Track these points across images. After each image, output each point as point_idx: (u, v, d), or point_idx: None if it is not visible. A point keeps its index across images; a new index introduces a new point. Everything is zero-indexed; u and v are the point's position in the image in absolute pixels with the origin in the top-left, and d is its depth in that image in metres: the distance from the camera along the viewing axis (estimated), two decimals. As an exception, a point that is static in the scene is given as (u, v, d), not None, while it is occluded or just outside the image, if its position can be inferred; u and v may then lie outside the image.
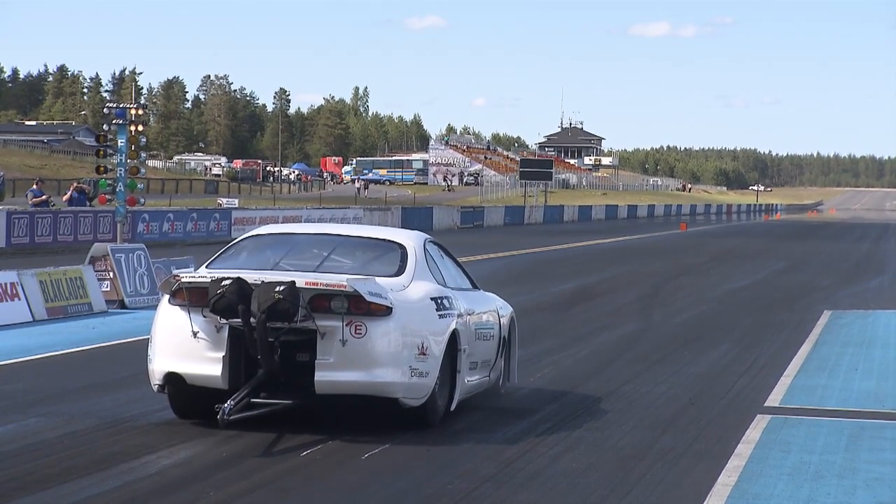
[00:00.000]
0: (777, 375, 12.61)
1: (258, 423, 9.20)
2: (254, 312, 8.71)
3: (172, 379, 9.11)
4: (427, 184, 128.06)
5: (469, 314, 9.97)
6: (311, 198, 77.73)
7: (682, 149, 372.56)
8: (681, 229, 63.05)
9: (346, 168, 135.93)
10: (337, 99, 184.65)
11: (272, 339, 8.90)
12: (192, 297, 8.96)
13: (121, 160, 20.65)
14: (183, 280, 9.03)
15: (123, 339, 14.72)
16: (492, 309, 10.88)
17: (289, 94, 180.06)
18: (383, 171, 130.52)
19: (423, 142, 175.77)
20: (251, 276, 8.90)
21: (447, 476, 8.01)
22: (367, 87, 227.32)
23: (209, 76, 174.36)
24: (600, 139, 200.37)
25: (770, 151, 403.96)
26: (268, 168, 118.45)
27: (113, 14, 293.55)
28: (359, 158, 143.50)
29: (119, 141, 20.54)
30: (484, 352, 10.35)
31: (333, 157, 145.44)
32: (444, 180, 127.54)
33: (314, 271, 9.32)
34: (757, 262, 34.24)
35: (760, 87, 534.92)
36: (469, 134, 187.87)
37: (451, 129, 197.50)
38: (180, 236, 37.41)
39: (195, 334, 9.01)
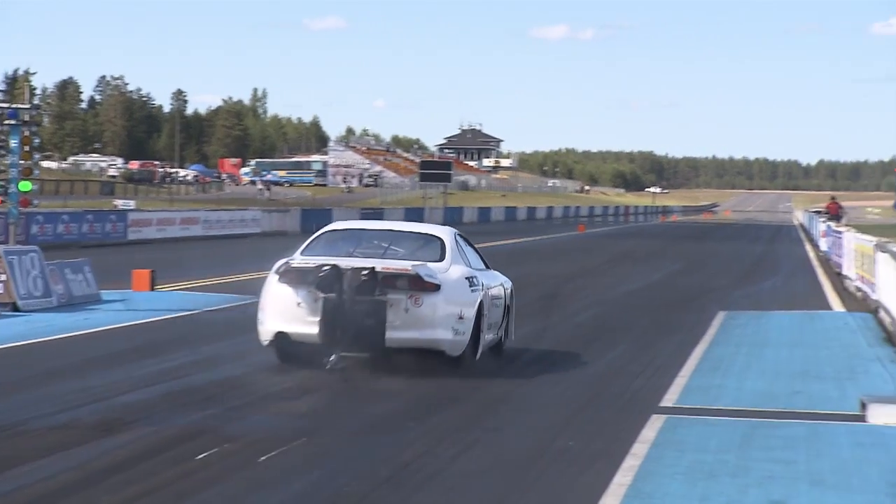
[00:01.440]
0: (673, 375, 12.76)
1: (156, 426, 9.14)
2: (345, 289, 11.89)
3: (280, 336, 12.23)
4: (326, 185, 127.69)
5: (487, 288, 13.05)
6: (210, 199, 77.05)
7: (581, 151, 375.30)
8: (579, 231, 63.60)
9: (245, 169, 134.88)
10: (235, 100, 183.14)
11: (357, 308, 11.90)
12: (297, 277, 12.08)
13: (13, 161, 20.27)
14: (293, 265, 12.21)
15: (16, 342, 14.42)
16: (500, 283, 13.95)
17: (186, 95, 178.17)
18: (282, 173, 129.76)
19: (322, 143, 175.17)
20: (342, 263, 12.09)
21: (344, 478, 7.99)
22: (265, 89, 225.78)
23: (105, 77, 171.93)
24: (499, 141, 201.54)
25: (667, 154, 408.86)
26: (165, 169, 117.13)
27: (4, 14, 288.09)
28: (258, 160, 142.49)
29: (12, 142, 20.15)
30: (495, 316, 13.47)
31: (231, 159, 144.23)
32: (344, 182, 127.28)
33: (381, 258, 12.53)
34: (653, 263, 34.65)
35: (657, 90, 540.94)
36: (369, 135, 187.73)
37: (350, 131, 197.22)
38: (75, 238, 36.83)
39: (298, 304, 12.11)
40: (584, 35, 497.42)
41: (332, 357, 12.11)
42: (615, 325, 17.98)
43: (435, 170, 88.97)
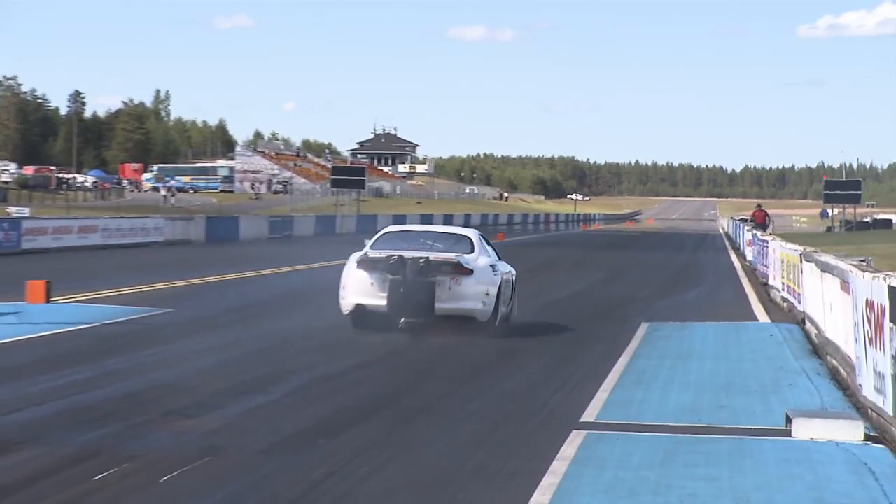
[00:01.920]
0: (593, 390, 12.84)
1: (50, 445, 9.02)
2: (407, 273, 16.72)
3: (358, 307, 17.17)
4: (233, 192, 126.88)
5: (502, 273, 17.95)
6: (109, 206, 76.22)
7: (500, 156, 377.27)
8: (498, 239, 63.76)
9: (147, 175, 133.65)
10: (136, 102, 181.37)
11: (415, 287, 16.71)
12: (371, 265, 17.01)
13: None
14: (369, 255, 17.22)
15: None
16: (509, 270, 18.88)
17: (84, 97, 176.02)
18: (187, 179, 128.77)
19: (229, 148, 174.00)
20: (405, 254, 17.02)
21: (249, 499, 7.95)
22: (168, 90, 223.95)
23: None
24: (415, 146, 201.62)
25: (588, 159, 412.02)
26: (61, 175, 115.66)
27: None
28: (160, 165, 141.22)
29: None
30: (507, 294, 18.32)
31: (133, 164, 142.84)
32: (252, 188, 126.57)
33: (430, 251, 17.45)
34: (575, 273, 34.86)
35: (579, 94, 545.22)
36: (278, 140, 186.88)
37: (258, 135, 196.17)
38: (-35, 247, 36.22)
39: (372, 284, 17.01)
40: (503, 36, 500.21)
41: (402, 320, 17.18)
42: (535, 336, 18.03)
43: (347, 176, 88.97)
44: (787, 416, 10.70)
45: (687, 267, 40.78)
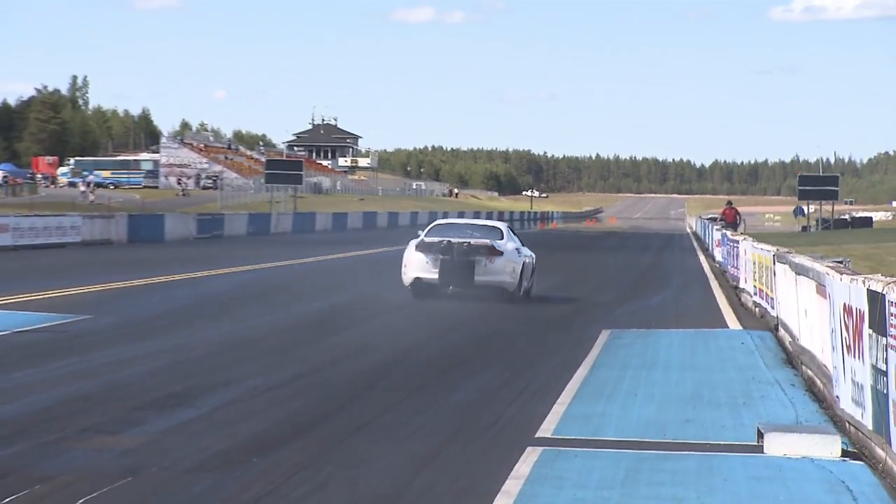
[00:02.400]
0: (550, 402, 12.87)
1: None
2: (454, 254, 23.60)
3: (416, 280, 24.16)
4: (158, 187, 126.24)
5: (525, 256, 24.85)
6: (22, 203, 75.63)
7: (449, 149, 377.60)
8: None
9: (63, 169, 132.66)
10: (51, 90, 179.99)
11: (460, 264, 23.60)
12: (427, 247, 24.04)
13: None
14: (425, 241, 24.12)
15: None
16: (530, 254, 25.64)
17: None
18: (107, 173, 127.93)
19: (153, 139, 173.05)
20: (452, 239, 24.03)
21: (176, 524, 7.91)
22: (86, 77, 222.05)
23: None
24: (357, 138, 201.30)
25: (545, 153, 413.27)
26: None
27: None
28: (78, 158, 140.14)
29: None
30: (528, 272, 25.25)
31: (47, 157, 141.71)
32: (179, 183, 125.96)
33: (471, 238, 24.34)
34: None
35: (535, 82, 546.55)
36: (207, 131, 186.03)
37: (186, 126, 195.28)
38: None
39: (426, 262, 23.95)
40: (452, 18, 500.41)
41: (451, 288, 24.56)
42: (487, 344, 18.08)
43: (283, 170, 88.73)
44: (759, 430, 10.77)
45: (651, 269, 40.97)
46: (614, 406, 12.85)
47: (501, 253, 24.62)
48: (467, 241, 24.67)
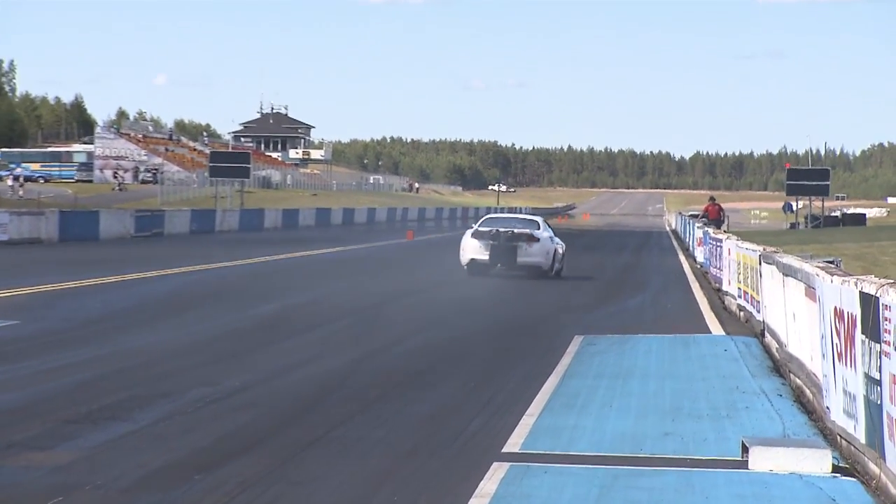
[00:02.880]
0: (518, 415, 12.88)
1: None
2: (501, 240, 33.21)
3: (472, 260, 33.71)
4: (92, 181, 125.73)
5: (556, 244, 34.27)
6: (-58, 199, 75.18)
7: (409, 140, 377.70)
8: (407, 238, 63.86)
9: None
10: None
11: (505, 248, 33.10)
12: (480, 235, 33.58)
13: None
14: (479, 230, 33.73)
15: None
16: (561, 243, 34.85)
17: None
18: (36, 166, 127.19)
19: (86, 129, 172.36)
20: (500, 228, 33.65)
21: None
22: (13, 61, 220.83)
23: None
24: (309, 128, 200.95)
25: (513, 144, 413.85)
26: None
27: None
28: (4, 150, 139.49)
29: None
30: (560, 256, 34.35)
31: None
32: (115, 177, 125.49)
33: (514, 228, 33.85)
34: (497, 277, 34.89)
35: (502, 68, 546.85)
36: (146, 120, 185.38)
37: (123, 114, 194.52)
38: None
39: (480, 246, 33.47)
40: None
41: (498, 266, 32.58)
42: (450, 352, 18.08)
43: (229, 163, 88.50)
44: (744, 444, 10.80)
45: (628, 270, 41.06)
46: (587, 418, 12.86)
47: (538, 240, 33.87)
48: (511, 230, 33.89)
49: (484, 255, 33.71)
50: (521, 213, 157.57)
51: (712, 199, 59.98)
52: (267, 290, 28.29)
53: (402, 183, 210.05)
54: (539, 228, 34.33)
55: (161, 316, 21.92)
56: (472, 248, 34.13)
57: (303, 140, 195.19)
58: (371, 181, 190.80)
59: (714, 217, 55.84)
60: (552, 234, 34.75)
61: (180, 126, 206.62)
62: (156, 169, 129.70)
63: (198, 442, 11.18)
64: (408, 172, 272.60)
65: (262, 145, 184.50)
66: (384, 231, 78.46)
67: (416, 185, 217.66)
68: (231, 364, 16.14)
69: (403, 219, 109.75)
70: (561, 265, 34.83)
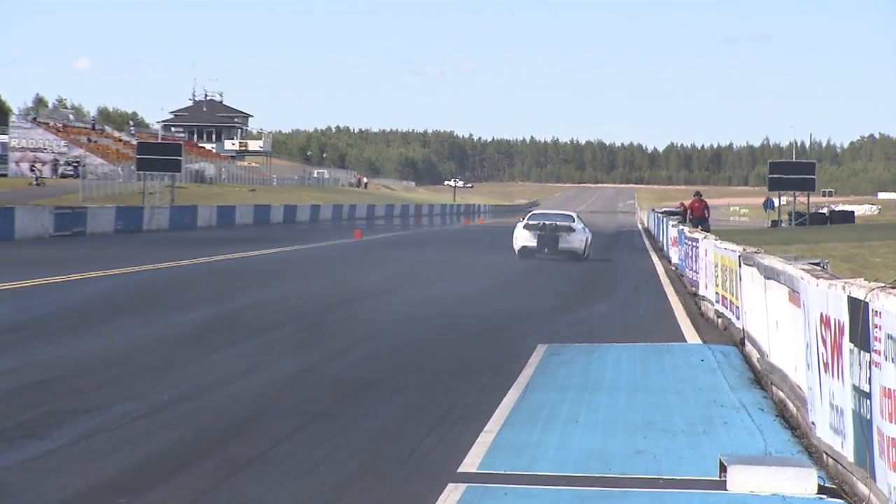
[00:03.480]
0: (475, 431, 12.89)
1: None
2: (546, 230, 46.72)
3: (524, 247, 47.09)
4: (7, 175, 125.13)
5: (588, 234, 48.43)
6: None
7: (357, 131, 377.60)
8: (355, 238, 63.81)
9: None
10: None
11: (550, 237, 46.51)
12: (530, 226, 47.28)
13: None
14: (529, 222, 47.56)
15: None
16: (590, 233, 49.27)
17: None
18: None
19: (0, 118, 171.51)
20: (545, 222, 47.35)
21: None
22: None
23: None
24: (247, 117, 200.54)
25: (471, 135, 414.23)
26: None
27: None
28: None
29: None
30: (590, 243, 48.59)
31: None
32: (32, 171, 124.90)
33: (556, 221, 47.55)
34: (453, 280, 34.96)
35: (459, 52, 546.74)
36: (67, 108, 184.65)
37: (41, 102, 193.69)
38: None
39: (530, 235, 46.95)
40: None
41: (546, 250, 45.76)
42: (401, 363, 18.07)
43: (158, 155, 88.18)
44: (722, 462, 10.84)
45: (596, 272, 41.13)
46: (551, 435, 12.88)
47: (574, 231, 46.70)
48: (554, 223, 46.83)
49: (533, 243, 46.64)
50: (481, 209, 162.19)
51: (698, 194, 59.96)
52: (200, 294, 28.22)
53: (349, 177, 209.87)
54: (574, 222, 47.60)
55: (83, 323, 21.83)
56: (523, 238, 47.13)
57: (240, 130, 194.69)
58: (315, 175, 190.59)
59: (699, 215, 56.00)
60: (584, 226, 48.15)
61: (104, 114, 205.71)
62: (77, 161, 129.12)
63: (123, 462, 11.14)
64: (355, 166, 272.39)
65: (195, 136, 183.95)
66: (329, 230, 78.37)
67: (365, 179, 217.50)
68: (160, 376, 16.09)
69: (350, 217, 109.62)
70: (590, 250, 48.18)
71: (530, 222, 47.30)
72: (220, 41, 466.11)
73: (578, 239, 46.56)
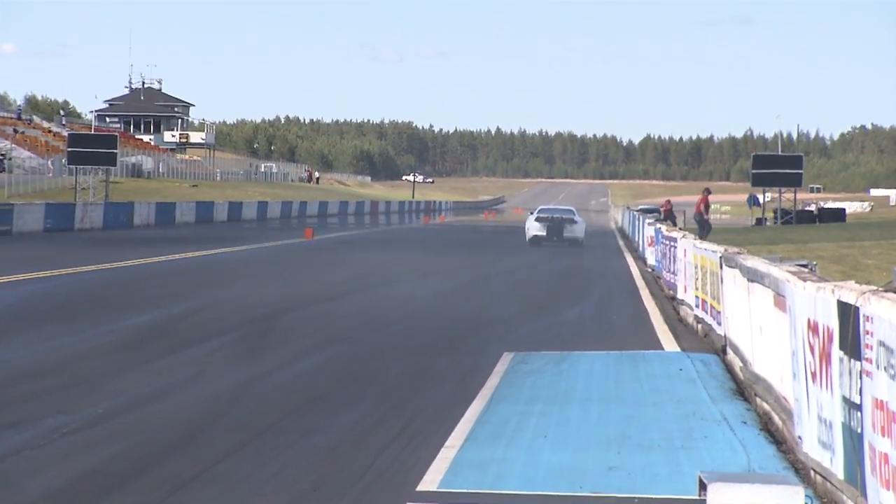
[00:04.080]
0: (436, 446, 12.90)
1: None
2: (553, 222, 63.06)
3: (535, 236, 62.77)
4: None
5: (585, 224, 66.44)
6: None
7: (308, 121, 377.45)
8: (306, 237, 63.77)
9: None
10: None
11: (556, 228, 62.56)
12: (540, 218, 63.41)
13: None
14: (539, 215, 63.88)
15: None
16: (585, 223, 67.77)
17: None
18: None
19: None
20: (552, 216, 64.11)
21: None
22: None
23: None
24: (188, 106, 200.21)
25: (432, 126, 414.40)
26: None
27: None
28: None
29: None
30: (586, 232, 66.57)
31: None
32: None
33: (561, 215, 64.26)
34: (412, 283, 34.97)
35: (419, 37, 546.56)
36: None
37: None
38: None
39: (540, 226, 62.96)
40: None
41: (554, 238, 61.26)
42: (355, 373, 18.07)
43: (92, 147, 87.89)
44: (701, 480, 10.86)
45: (567, 275, 41.20)
46: (518, 450, 12.90)
47: (576, 222, 61.18)
48: (560, 216, 61.55)
49: (543, 232, 61.28)
50: (443, 206, 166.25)
51: (707, 190, 66.97)
52: (138, 298, 28.17)
53: (299, 172, 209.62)
54: (574, 216, 63.06)
55: (8, 331, 21.77)
56: (534, 228, 61.85)
57: (180, 121, 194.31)
58: (262, 170, 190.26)
59: (697, 210, 64.79)
60: (582, 219, 63.97)
61: (32, 103, 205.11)
62: (2, 154, 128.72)
63: (52, 481, 11.11)
64: (306, 159, 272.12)
65: (132, 127, 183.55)
66: (278, 229, 78.31)
67: (316, 174, 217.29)
68: (94, 387, 16.06)
69: (301, 215, 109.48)
70: (585, 238, 63.36)
71: (540, 216, 63.21)
72: (159, 24, 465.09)
73: (579, 229, 62.49)
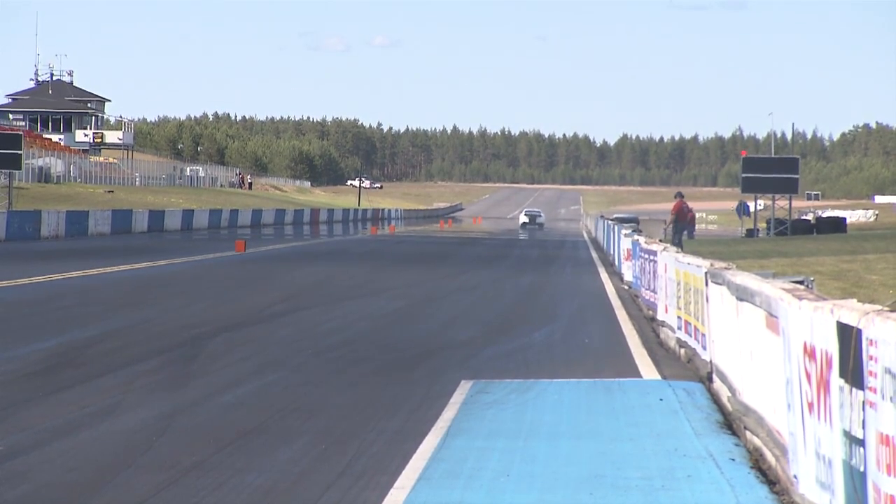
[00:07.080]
0: (385, 486, 12.92)
1: None
2: (532, 214, 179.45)
3: (524, 222, 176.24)
4: None
5: (544, 216, 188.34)
6: None
7: (239, 119, 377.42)
8: (237, 250, 63.75)
9: None
10: None
11: (534, 218, 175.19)
12: (525, 215, 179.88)
13: None
14: (526, 213, 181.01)
15: None
16: (545, 217, 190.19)
17: None
18: None
19: None
20: (530, 214, 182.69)
21: None
22: None
23: None
24: (103, 102, 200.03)
25: (379, 125, 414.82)
26: None
27: None
28: None
29: None
30: (545, 219, 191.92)
31: None
32: None
33: (535, 214, 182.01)
34: (359, 302, 34.98)
35: (366, 24, 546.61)
36: None
37: None
38: None
39: (526, 218, 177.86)
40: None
41: (535, 224, 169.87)
42: (293, 403, 18.08)
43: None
44: (685, 524, 10.90)
45: (533, 292, 41.27)
46: (477, 491, 12.92)
47: (541, 216, 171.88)
48: (534, 214, 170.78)
49: (526, 219, 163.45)
50: (393, 214, 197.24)
51: (680, 196, 61.95)
52: (45, 320, 28.10)
53: (229, 176, 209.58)
54: (541, 215, 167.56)
55: None
56: (522, 218, 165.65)
57: (94, 118, 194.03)
58: (188, 173, 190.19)
59: (684, 218, 58.19)
60: (544, 216, 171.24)
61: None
62: None
63: (-50, 527, 11.10)
64: (237, 162, 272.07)
65: (38, 125, 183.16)
66: (206, 241, 78.21)
67: (249, 178, 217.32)
68: (11, 417, 16.02)
69: (231, 225, 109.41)
70: (546, 223, 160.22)
71: (526, 211, 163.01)
72: (70, 8, 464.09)
73: (542, 219, 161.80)
